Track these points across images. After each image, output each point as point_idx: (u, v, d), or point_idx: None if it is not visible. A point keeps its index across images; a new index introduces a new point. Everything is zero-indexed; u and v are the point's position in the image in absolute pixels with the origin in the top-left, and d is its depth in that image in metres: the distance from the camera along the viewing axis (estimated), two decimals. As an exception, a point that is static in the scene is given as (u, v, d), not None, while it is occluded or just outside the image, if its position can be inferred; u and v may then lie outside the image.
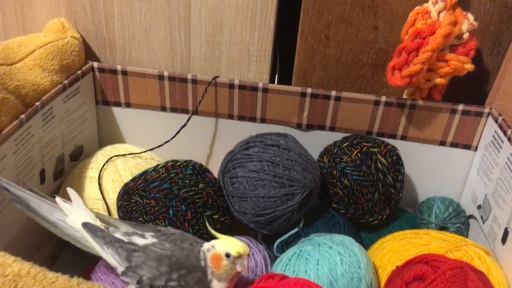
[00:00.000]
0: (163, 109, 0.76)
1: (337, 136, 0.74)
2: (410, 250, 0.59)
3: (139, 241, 0.53)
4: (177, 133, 0.73)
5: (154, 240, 0.52)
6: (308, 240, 0.59)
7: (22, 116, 0.59)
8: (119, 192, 0.64)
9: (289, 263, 0.56)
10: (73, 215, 0.55)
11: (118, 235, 0.54)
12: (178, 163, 0.64)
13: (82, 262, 0.73)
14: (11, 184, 0.54)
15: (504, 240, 0.60)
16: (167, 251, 0.50)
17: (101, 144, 0.80)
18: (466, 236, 0.74)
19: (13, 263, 0.33)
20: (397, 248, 0.60)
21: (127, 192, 0.62)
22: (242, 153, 0.64)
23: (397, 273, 0.48)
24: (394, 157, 0.68)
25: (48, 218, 0.56)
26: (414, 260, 0.49)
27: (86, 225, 0.54)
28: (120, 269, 0.52)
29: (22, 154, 0.60)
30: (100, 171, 0.68)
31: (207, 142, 0.78)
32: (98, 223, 0.56)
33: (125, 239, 0.53)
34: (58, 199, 0.56)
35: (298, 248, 0.58)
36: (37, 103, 0.62)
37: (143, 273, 0.50)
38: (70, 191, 0.57)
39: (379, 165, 0.66)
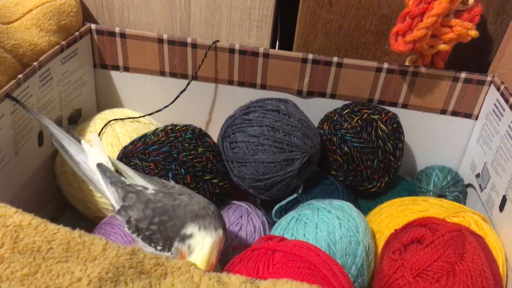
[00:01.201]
0: (162, 73, 0.75)
1: (338, 103, 0.74)
2: (408, 216, 0.59)
3: (139, 187, 0.53)
4: (176, 98, 0.73)
5: (154, 187, 0.53)
6: (307, 205, 0.59)
7: (20, 76, 0.58)
8: (118, 155, 0.64)
9: (288, 227, 0.57)
10: (92, 157, 0.57)
11: (124, 179, 0.55)
12: (178, 127, 0.64)
13: (82, 225, 0.73)
14: (52, 124, 0.59)
15: (501, 207, 0.60)
16: (157, 197, 0.50)
17: (99, 108, 0.80)
18: (464, 204, 0.74)
19: (14, 214, 0.32)
20: (395, 214, 0.60)
21: (126, 155, 0.61)
22: (242, 118, 0.63)
23: (395, 236, 0.48)
24: (395, 125, 0.68)
25: (75, 159, 0.58)
26: (412, 223, 0.50)
27: (99, 166, 0.55)
28: (116, 207, 0.53)
29: (20, 115, 0.59)
30: (99, 134, 0.68)
31: (206, 108, 0.78)
32: (110, 165, 0.56)
33: (127, 182, 0.54)
34: (82, 141, 0.59)
35: (297, 212, 0.58)
36: (35, 63, 0.61)
37: (131, 214, 0.51)
38: (93, 136, 0.60)
39: (379, 132, 0.66)
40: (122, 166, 0.57)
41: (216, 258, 0.46)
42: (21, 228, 0.32)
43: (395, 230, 0.52)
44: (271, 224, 0.66)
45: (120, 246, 0.33)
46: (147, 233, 0.49)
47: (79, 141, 0.59)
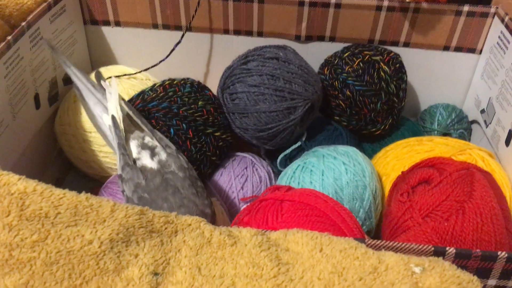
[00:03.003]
0: (155, 26, 0.73)
1: (338, 46, 0.72)
2: (414, 157, 0.59)
3: (144, 159, 0.51)
4: (171, 51, 0.70)
5: (155, 165, 0.50)
6: (312, 152, 0.59)
7: (9, 37, 0.56)
8: (117, 113, 0.63)
9: (294, 176, 0.56)
10: (109, 110, 0.55)
11: (133, 142, 0.53)
12: (176, 81, 0.62)
13: (87, 186, 0.73)
14: (75, 71, 0.59)
15: (508, 142, 0.60)
16: (149, 185, 0.48)
17: (94, 66, 0.78)
18: (469, 141, 0.74)
19: (18, 182, 0.32)
20: (400, 155, 0.60)
21: (126, 113, 0.60)
22: (241, 68, 0.61)
23: (403, 178, 0.48)
24: (397, 65, 0.67)
25: (92, 111, 0.57)
26: (419, 164, 0.49)
27: (113, 120, 0.53)
28: (118, 172, 0.52)
29: (14, 78, 0.58)
30: (96, 93, 0.66)
31: (203, 60, 0.76)
32: (121, 121, 0.54)
33: (135, 150, 0.52)
34: (107, 91, 0.56)
35: (302, 160, 0.58)
36: (23, 23, 0.59)
37: (125, 188, 0.50)
38: (112, 82, 0.56)
39: (382, 73, 0.64)
40: (138, 119, 0.55)
41: None
42: (26, 195, 0.31)
43: (402, 172, 0.51)
44: (277, 173, 0.66)
45: (128, 206, 0.33)
46: None
47: (97, 92, 0.57)
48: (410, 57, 0.72)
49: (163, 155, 0.51)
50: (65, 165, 0.73)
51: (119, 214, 0.31)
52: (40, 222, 0.30)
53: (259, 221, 0.45)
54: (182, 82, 0.62)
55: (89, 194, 0.33)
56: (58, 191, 0.32)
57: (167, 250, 0.31)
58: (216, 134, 0.61)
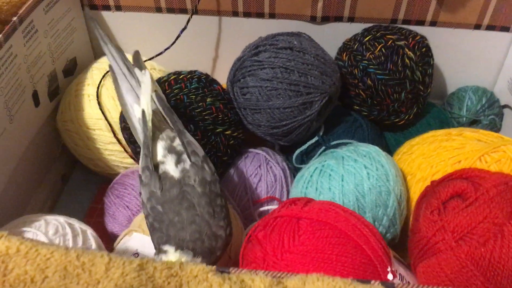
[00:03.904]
0: (158, 10, 0.68)
1: (357, 27, 0.65)
2: (442, 155, 0.54)
3: (168, 164, 0.46)
4: (177, 38, 0.65)
5: (177, 175, 0.45)
6: (331, 153, 0.54)
7: (-1, 36, 0.52)
8: (121, 112, 0.58)
9: (311, 180, 0.52)
10: (141, 100, 0.49)
11: (161, 143, 0.48)
12: (182, 76, 0.57)
13: (94, 182, 0.71)
14: (114, 52, 0.53)
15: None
16: (165, 196, 0.44)
17: (96, 54, 0.73)
18: (500, 127, 0.69)
19: (-2, 241, 0.28)
20: (427, 152, 0.55)
21: (129, 113, 0.56)
22: (252, 60, 0.56)
23: (433, 191, 0.44)
24: (423, 49, 0.61)
25: (124, 98, 0.51)
26: (451, 176, 0.45)
27: (142, 114, 0.48)
28: (139, 172, 0.48)
29: (8, 79, 0.54)
30: (98, 88, 0.62)
31: (211, 46, 0.70)
32: (150, 116, 0.48)
33: (161, 152, 0.47)
34: (137, 70, 0.51)
35: (320, 162, 0.53)
36: (14, 18, 0.54)
37: (142, 192, 0.46)
38: (146, 73, 0.50)
39: (407, 60, 0.59)
40: (168, 117, 0.49)
41: None
42: (9, 257, 0.28)
43: (432, 182, 0.47)
44: (292, 169, 0.62)
45: (126, 261, 0.29)
46: (146, 220, 0.45)
47: (133, 78, 0.51)
48: (437, 37, 0.66)
49: (187, 164, 0.46)
50: (71, 160, 0.70)
51: (115, 273, 0.28)
52: (26, 288, 0.26)
53: (274, 242, 0.41)
54: (188, 76, 0.57)
55: (80, 250, 0.29)
56: (45, 250, 0.28)
57: (171, 308, 0.28)
58: (227, 132, 0.57)
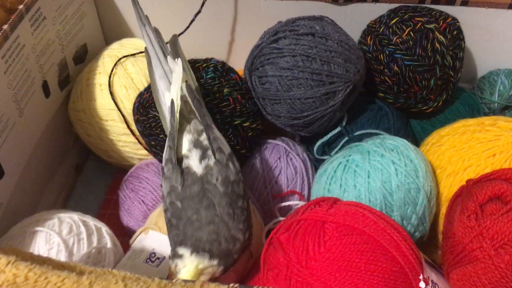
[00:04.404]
0: (172, -8, 0.64)
1: (382, 8, 0.61)
2: (475, 148, 0.50)
3: (192, 159, 0.44)
4: (191, 23, 0.62)
5: (200, 171, 0.43)
6: (355, 147, 0.51)
7: (5, 26, 0.49)
8: (134, 104, 0.56)
9: (335, 176, 0.49)
10: (172, 89, 0.47)
11: (187, 136, 0.45)
12: (197, 65, 0.54)
13: (109, 172, 0.69)
14: (150, 35, 0.51)
15: None
16: (185, 192, 0.42)
17: (107, 39, 0.70)
18: (534, 114, 0.65)
19: (6, 268, 0.26)
20: (458, 144, 0.52)
21: (143, 105, 0.54)
22: (271, 47, 0.53)
23: (468, 192, 0.41)
24: (455, 32, 0.56)
25: (156, 84, 0.50)
26: (489, 176, 0.41)
27: (172, 105, 0.45)
28: (162, 164, 0.46)
29: (16, 70, 0.52)
30: (110, 76, 0.59)
31: (227, 29, 0.67)
32: (178, 106, 0.46)
33: (187, 146, 0.45)
34: (170, 58, 0.49)
35: (344, 157, 0.50)
36: (20, 6, 0.52)
37: (163, 184, 0.44)
38: (178, 64, 0.47)
39: (437, 45, 0.55)
40: (196, 110, 0.46)
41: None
42: (17, 287, 0.26)
43: (467, 182, 0.43)
44: (313, 160, 0.59)
45: (142, 286, 0.27)
46: (164, 215, 0.43)
47: (167, 64, 0.49)
48: (468, 17, 0.61)
49: (211, 161, 0.44)
50: (85, 150, 0.68)
51: (131, 300, 0.26)
52: (34, 321, 0.25)
53: (298, 248, 0.39)
54: (204, 65, 0.54)
55: (93, 277, 0.27)
56: (55, 278, 0.26)
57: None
58: (245, 124, 0.54)
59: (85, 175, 0.69)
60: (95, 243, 0.49)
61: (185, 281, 0.29)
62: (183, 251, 0.40)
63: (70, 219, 0.50)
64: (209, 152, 0.44)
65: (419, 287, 0.38)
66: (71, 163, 0.68)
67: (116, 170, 0.68)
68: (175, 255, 0.40)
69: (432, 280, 0.39)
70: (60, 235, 0.48)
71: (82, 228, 0.49)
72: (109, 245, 0.50)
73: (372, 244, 0.38)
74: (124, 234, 0.58)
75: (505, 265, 0.35)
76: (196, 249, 0.40)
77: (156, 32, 0.52)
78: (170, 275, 0.40)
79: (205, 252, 0.40)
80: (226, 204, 0.41)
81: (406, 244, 0.39)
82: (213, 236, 0.40)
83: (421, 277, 0.38)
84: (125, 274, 0.28)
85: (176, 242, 0.41)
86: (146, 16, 0.52)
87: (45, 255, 0.45)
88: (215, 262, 0.40)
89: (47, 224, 0.48)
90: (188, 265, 0.39)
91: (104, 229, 0.52)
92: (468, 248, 0.37)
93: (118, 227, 0.59)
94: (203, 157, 0.44)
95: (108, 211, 0.65)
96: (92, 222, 0.51)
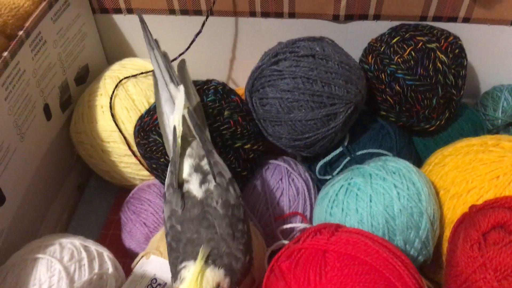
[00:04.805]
0: (172, 12, 0.64)
1: (383, 26, 0.61)
2: (479, 169, 0.50)
3: (192, 183, 0.44)
4: (191, 43, 0.62)
5: (200, 194, 0.43)
6: (357, 170, 0.51)
7: (5, 53, 0.49)
8: (135, 127, 0.56)
9: (337, 199, 0.49)
10: (174, 114, 0.47)
11: (189, 161, 0.46)
12: (198, 87, 0.54)
13: (111, 191, 0.69)
14: (158, 59, 0.52)
15: None
16: (185, 215, 0.42)
17: (109, 59, 0.70)
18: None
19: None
20: (461, 165, 0.51)
21: (143, 129, 0.54)
22: (271, 69, 0.53)
23: (471, 221, 0.40)
24: (457, 51, 0.56)
25: (161, 107, 0.50)
26: (492, 204, 0.41)
27: (174, 131, 0.46)
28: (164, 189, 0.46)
29: (16, 96, 0.52)
30: (111, 98, 0.59)
31: (227, 48, 0.67)
32: (180, 132, 0.46)
33: (187, 171, 0.45)
34: (180, 89, 0.48)
35: (345, 180, 0.50)
36: (20, 33, 0.52)
37: (164, 209, 0.44)
38: (180, 90, 0.47)
39: (439, 64, 0.54)
40: (197, 135, 0.46)
41: None
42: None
43: (470, 208, 0.43)
44: (316, 180, 0.59)
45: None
46: (166, 239, 0.43)
47: (173, 83, 0.50)
48: (470, 34, 0.61)
49: (211, 185, 0.44)
50: (87, 169, 0.68)
51: None
52: None
53: (299, 278, 0.39)
54: (204, 87, 0.54)
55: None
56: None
57: None
58: (246, 146, 0.54)
59: (88, 194, 0.69)
60: (96, 269, 0.49)
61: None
62: (186, 263, 0.40)
63: (71, 244, 0.50)
64: (210, 176, 0.44)
65: (422, 317, 0.37)
66: (73, 182, 0.68)
67: (119, 189, 0.68)
68: (177, 272, 0.40)
69: (435, 310, 0.39)
70: (62, 262, 0.47)
71: (84, 254, 0.49)
72: (110, 270, 0.50)
73: (374, 275, 0.38)
74: (126, 256, 0.58)
75: (509, 297, 0.34)
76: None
77: (165, 56, 0.53)
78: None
79: (208, 261, 0.39)
80: (227, 225, 0.41)
81: (408, 274, 0.38)
82: (214, 252, 0.40)
83: (424, 307, 0.38)
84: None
85: (176, 265, 0.41)
86: (156, 40, 0.53)
87: (46, 283, 0.46)
88: (221, 271, 0.39)
89: (48, 251, 0.48)
90: (193, 268, 0.38)
91: (106, 254, 0.51)
92: (472, 279, 0.37)
93: (120, 248, 0.59)
94: (203, 181, 0.44)
95: (110, 231, 0.65)
96: (94, 247, 0.51)
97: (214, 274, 0.39)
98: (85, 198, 0.69)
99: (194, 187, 0.44)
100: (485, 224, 0.38)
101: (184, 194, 0.44)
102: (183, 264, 0.40)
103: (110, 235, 0.64)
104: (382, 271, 0.38)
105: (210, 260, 0.40)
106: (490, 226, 0.38)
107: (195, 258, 0.40)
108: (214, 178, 0.44)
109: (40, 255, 0.48)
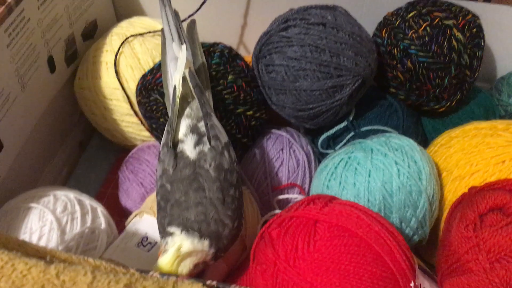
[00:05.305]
0: (184, -29, 0.62)
1: (402, 0, 0.59)
2: (484, 152, 0.48)
3: (186, 144, 0.44)
4: (202, 4, 0.61)
5: (193, 155, 0.43)
6: (359, 144, 0.49)
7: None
8: (137, 85, 0.55)
9: (335, 172, 0.48)
10: (176, 74, 0.46)
11: (186, 121, 0.45)
12: (204, 49, 0.53)
13: (112, 150, 0.68)
14: (169, 16, 0.51)
15: None
16: (175, 175, 0.42)
17: (118, 16, 0.69)
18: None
19: (-28, 251, 0.26)
20: (468, 148, 0.50)
21: (145, 87, 0.53)
22: (280, 35, 0.51)
23: (469, 200, 0.39)
24: (474, 30, 0.54)
25: (166, 65, 0.49)
26: (493, 185, 0.39)
27: (174, 91, 0.45)
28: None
29: (20, 45, 0.51)
30: (116, 55, 0.59)
31: (239, 13, 0.65)
32: (179, 92, 0.45)
33: (183, 131, 0.45)
34: (182, 48, 0.46)
35: (346, 153, 0.49)
36: (27, -21, 0.51)
37: (158, 167, 0.44)
38: (183, 49, 0.46)
39: (454, 42, 0.52)
40: (196, 96, 0.45)
41: (190, 269, 0.38)
42: (-19, 271, 0.25)
43: (469, 189, 0.42)
44: (318, 154, 0.58)
45: (111, 281, 0.26)
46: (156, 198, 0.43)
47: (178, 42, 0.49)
48: (491, 15, 0.58)
49: (206, 147, 0.43)
50: (90, 127, 0.68)
51: (98, 294, 0.25)
52: (-1, 308, 0.24)
53: (287, 246, 0.38)
54: (210, 50, 0.53)
55: (61, 267, 0.26)
56: (22, 266, 0.25)
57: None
58: (248, 113, 0.53)
59: (89, 152, 0.69)
60: (89, 223, 0.49)
61: (162, 274, 0.28)
62: (173, 229, 0.40)
63: (65, 197, 0.50)
64: (205, 138, 0.44)
65: (409, 295, 0.37)
66: (75, 139, 0.67)
67: (120, 149, 0.67)
68: (165, 233, 0.40)
69: (424, 288, 0.38)
70: (54, 213, 0.47)
71: (77, 207, 0.49)
72: (103, 226, 0.50)
73: (363, 248, 0.37)
74: (122, 215, 0.58)
75: (499, 280, 0.33)
76: (185, 228, 0.39)
77: (176, 14, 0.51)
78: (161, 253, 0.39)
79: (194, 231, 0.39)
80: (217, 189, 0.41)
81: (399, 250, 0.37)
82: (201, 217, 0.40)
83: (412, 284, 0.37)
84: (100, 263, 0.28)
85: (163, 224, 0.41)
86: None
87: (37, 232, 0.46)
88: (206, 242, 0.39)
89: (42, 201, 0.48)
90: (178, 243, 0.38)
91: (100, 209, 0.51)
92: (463, 259, 0.36)
93: (117, 207, 0.59)
94: (198, 142, 0.44)
95: (109, 190, 0.65)
96: (88, 201, 0.51)
97: (198, 247, 0.39)
98: (86, 155, 0.69)
99: (188, 147, 0.44)
100: (483, 205, 0.37)
101: (178, 154, 0.43)
102: (172, 229, 0.40)
103: (108, 194, 0.64)
104: (372, 244, 0.37)
105: (196, 227, 0.39)
106: (488, 208, 0.37)
107: (182, 224, 0.40)
108: (209, 141, 0.43)
109: (33, 205, 0.48)
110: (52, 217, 0.47)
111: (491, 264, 0.34)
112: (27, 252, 0.27)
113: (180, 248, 0.38)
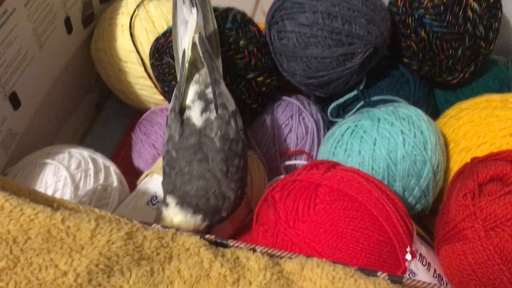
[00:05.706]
0: None
1: (419, -32, 0.58)
2: (493, 125, 0.48)
3: (193, 110, 0.44)
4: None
5: (199, 123, 0.43)
6: (366, 112, 0.50)
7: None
8: (150, 48, 0.56)
9: (341, 140, 0.49)
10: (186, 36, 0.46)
11: (194, 87, 0.45)
12: (216, 13, 0.53)
13: (128, 113, 0.70)
14: None
15: None
16: (181, 143, 0.42)
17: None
18: None
19: (-17, 196, 0.27)
20: (477, 119, 0.50)
21: (158, 50, 0.53)
22: (292, 1, 0.51)
23: (470, 170, 0.39)
24: (491, 0, 0.53)
25: (176, 27, 0.48)
26: (495, 156, 0.40)
27: (183, 54, 0.45)
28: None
29: (37, 4, 0.52)
30: (131, 18, 0.59)
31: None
32: (188, 55, 0.45)
33: (191, 97, 0.45)
34: (185, 7, 0.47)
35: (353, 121, 0.49)
36: None
37: (165, 132, 0.44)
38: (193, 12, 0.45)
39: (470, 13, 0.51)
40: (206, 62, 0.45)
41: None
42: (-8, 215, 0.27)
43: (472, 159, 0.42)
44: (328, 122, 0.58)
45: (113, 228, 0.28)
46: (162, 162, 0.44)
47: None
48: (512, -15, 0.57)
49: (213, 115, 0.43)
50: (106, 89, 0.69)
51: (101, 240, 0.26)
52: (8, 248, 0.26)
53: (288, 207, 0.39)
54: (223, 14, 0.53)
55: (66, 213, 0.28)
56: (30, 210, 0.27)
57: (158, 281, 0.26)
58: (259, 79, 0.53)
59: (105, 114, 0.71)
60: (101, 181, 0.51)
61: (163, 226, 0.30)
62: (170, 200, 0.41)
63: (80, 154, 0.52)
64: (212, 106, 0.44)
65: (405, 259, 0.38)
66: (91, 101, 0.69)
67: (135, 112, 0.69)
68: (164, 200, 0.41)
69: (420, 254, 0.39)
70: (68, 169, 0.49)
71: (91, 165, 0.51)
72: (115, 184, 0.52)
73: (362, 212, 0.38)
74: (135, 175, 0.60)
75: (493, 248, 0.34)
76: (182, 202, 0.41)
77: None
78: (156, 218, 0.41)
79: (189, 207, 0.40)
80: (221, 160, 0.41)
81: (397, 216, 0.38)
82: (201, 192, 0.41)
83: (408, 249, 0.38)
84: (105, 214, 0.29)
85: (167, 190, 0.42)
86: None
87: (52, 187, 0.48)
88: (199, 217, 0.41)
89: (57, 158, 0.50)
90: (171, 216, 0.40)
91: (113, 168, 0.53)
92: (460, 226, 0.36)
93: (130, 167, 0.61)
94: (205, 109, 0.44)
95: (123, 151, 0.66)
96: (102, 160, 0.53)
97: (189, 221, 0.40)
98: (102, 117, 0.71)
99: (194, 114, 0.44)
100: (484, 175, 0.37)
101: (184, 120, 0.44)
102: (169, 199, 0.41)
103: (122, 155, 0.66)
104: (370, 209, 0.38)
105: (194, 203, 0.40)
106: (488, 178, 0.37)
107: (180, 197, 0.41)
108: (216, 109, 0.43)
109: (49, 160, 0.49)
110: (66, 173, 0.49)
111: (486, 232, 0.35)
112: (37, 200, 0.28)
113: (171, 221, 0.40)
